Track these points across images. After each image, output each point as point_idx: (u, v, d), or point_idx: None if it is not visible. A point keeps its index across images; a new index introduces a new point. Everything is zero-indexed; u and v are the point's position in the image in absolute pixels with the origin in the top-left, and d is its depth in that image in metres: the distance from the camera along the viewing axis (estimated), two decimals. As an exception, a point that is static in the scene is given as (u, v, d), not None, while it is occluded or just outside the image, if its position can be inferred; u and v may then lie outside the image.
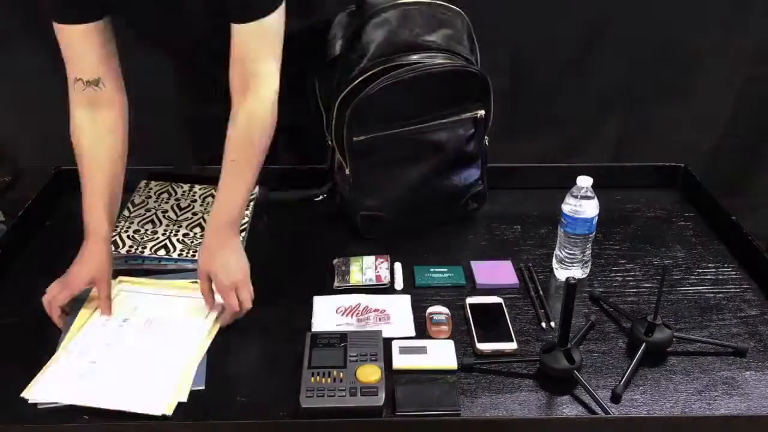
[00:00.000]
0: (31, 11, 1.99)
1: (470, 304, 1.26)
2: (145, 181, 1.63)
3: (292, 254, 1.44)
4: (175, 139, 2.21)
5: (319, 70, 1.47)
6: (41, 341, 1.19)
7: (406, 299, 1.28)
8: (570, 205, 1.29)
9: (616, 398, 1.08)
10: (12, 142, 2.15)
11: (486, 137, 1.47)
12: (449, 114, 1.39)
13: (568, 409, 1.07)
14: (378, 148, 1.38)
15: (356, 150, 1.37)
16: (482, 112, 1.41)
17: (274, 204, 1.57)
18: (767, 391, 1.11)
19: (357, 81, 1.34)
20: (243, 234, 1.38)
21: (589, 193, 1.29)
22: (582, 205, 1.28)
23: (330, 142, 1.45)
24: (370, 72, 1.33)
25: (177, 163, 1.77)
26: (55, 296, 1.21)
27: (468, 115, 1.40)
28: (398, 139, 1.37)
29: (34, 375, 1.11)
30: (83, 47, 1.28)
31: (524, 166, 1.69)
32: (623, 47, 2.12)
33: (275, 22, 1.21)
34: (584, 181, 1.29)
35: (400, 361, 1.14)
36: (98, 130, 1.34)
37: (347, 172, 1.40)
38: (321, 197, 1.58)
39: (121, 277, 1.32)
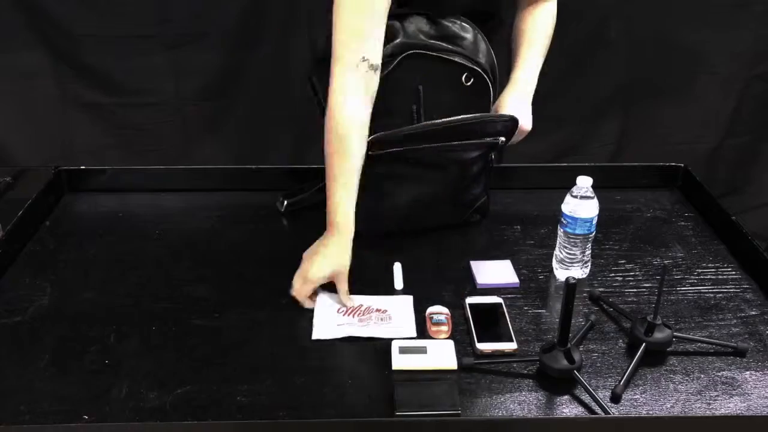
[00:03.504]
0: (31, 11, 2.00)
1: (470, 304, 1.26)
2: None
3: (292, 254, 1.44)
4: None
5: (313, 68, 1.46)
6: (41, 341, 1.19)
7: (408, 300, 1.28)
8: (570, 205, 1.29)
9: (616, 398, 1.08)
10: (12, 142, 2.16)
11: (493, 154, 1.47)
12: (471, 141, 1.39)
13: (568, 409, 1.07)
14: (393, 161, 1.37)
15: (370, 156, 1.37)
16: (502, 139, 1.40)
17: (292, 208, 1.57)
18: (767, 391, 1.11)
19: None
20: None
21: (589, 193, 1.29)
22: (582, 205, 1.28)
23: None
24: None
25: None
26: (298, 290, 1.27)
27: (488, 140, 1.40)
28: (415, 155, 1.37)
29: (34, 375, 1.11)
30: (383, 26, 1.27)
31: (524, 166, 1.69)
32: (623, 47, 2.13)
33: None
34: (584, 181, 1.29)
35: (399, 362, 1.13)
36: (366, 121, 1.29)
37: None
38: None
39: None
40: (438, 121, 1.33)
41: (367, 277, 1.37)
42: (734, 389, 1.11)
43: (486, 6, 1.43)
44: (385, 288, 1.33)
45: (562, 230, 1.32)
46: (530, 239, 1.49)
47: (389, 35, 1.33)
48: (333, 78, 1.27)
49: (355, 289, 1.32)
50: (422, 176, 1.42)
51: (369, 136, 1.33)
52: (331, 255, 1.28)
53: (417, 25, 1.34)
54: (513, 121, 1.38)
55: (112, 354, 1.16)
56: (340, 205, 1.28)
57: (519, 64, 1.47)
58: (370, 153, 1.35)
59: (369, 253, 1.43)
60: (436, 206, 1.46)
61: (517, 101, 1.43)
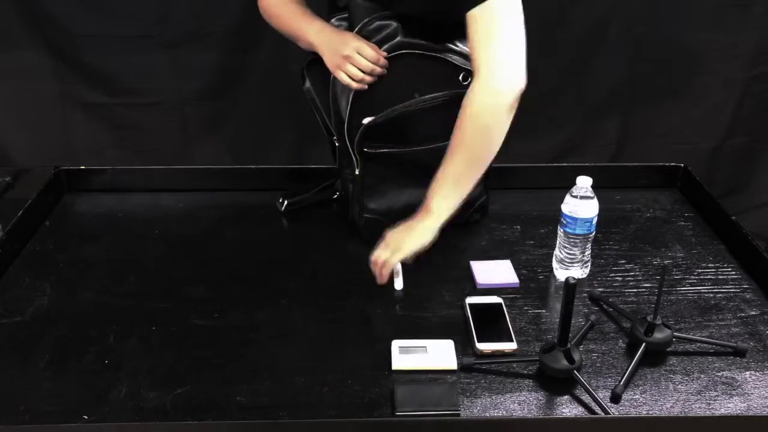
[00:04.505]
0: (31, 11, 2.00)
1: (470, 304, 1.26)
2: None
3: (292, 254, 1.45)
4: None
5: (307, 66, 1.46)
6: (41, 341, 1.19)
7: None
8: (570, 205, 1.29)
9: (615, 398, 1.08)
10: (12, 142, 2.16)
11: None
12: None
13: (567, 409, 1.07)
14: (390, 160, 1.38)
15: (368, 156, 1.37)
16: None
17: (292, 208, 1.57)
18: (767, 391, 1.11)
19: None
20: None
21: (589, 193, 1.29)
22: (582, 205, 1.28)
23: (336, 141, 1.44)
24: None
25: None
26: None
27: None
28: (414, 155, 1.37)
29: (34, 375, 1.11)
30: None
31: (524, 166, 1.69)
32: (623, 47, 2.13)
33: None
34: (584, 181, 1.29)
35: (400, 362, 1.13)
36: None
37: (357, 171, 1.40)
38: (337, 195, 1.58)
39: None
40: (425, 97, 1.32)
41: (367, 277, 1.37)
42: (734, 389, 1.11)
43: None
44: (386, 288, 1.33)
45: (562, 230, 1.32)
46: (530, 239, 1.49)
47: (388, 35, 1.32)
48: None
49: (354, 289, 1.32)
50: (421, 179, 1.41)
51: (376, 149, 1.35)
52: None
53: (415, 25, 1.34)
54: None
55: (112, 354, 1.16)
56: (304, 20, 1.38)
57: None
58: (366, 150, 1.35)
59: (369, 253, 1.43)
60: None
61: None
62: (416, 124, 1.34)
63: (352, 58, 1.28)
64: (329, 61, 1.32)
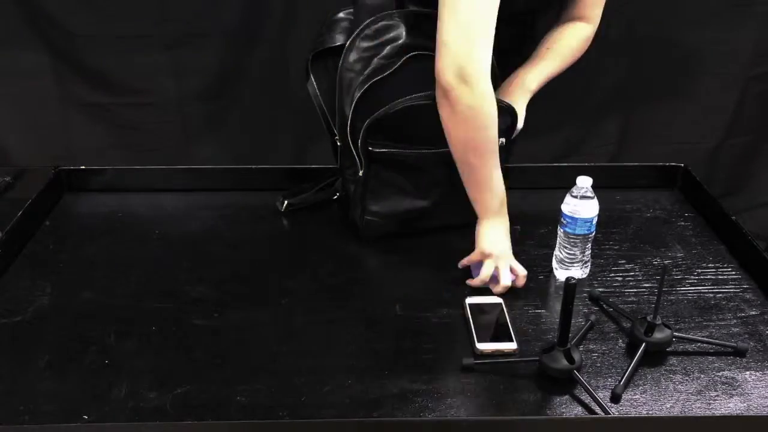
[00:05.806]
0: (31, 11, 2.00)
1: (470, 304, 1.26)
2: None
3: (292, 254, 1.45)
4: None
5: (312, 60, 1.45)
6: (41, 341, 1.19)
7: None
8: (570, 205, 1.29)
9: (615, 398, 1.08)
10: (12, 142, 2.16)
11: None
12: None
13: (568, 409, 1.07)
14: (396, 162, 1.37)
15: (372, 157, 1.36)
16: (503, 140, 1.40)
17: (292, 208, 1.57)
18: (767, 391, 1.11)
19: (370, 82, 1.32)
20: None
21: (589, 193, 1.29)
22: (582, 205, 1.28)
23: (338, 141, 1.44)
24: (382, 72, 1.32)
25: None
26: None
27: None
28: (418, 158, 1.37)
29: (34, 375, 1.11)
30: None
31: (524, 166, 1.69)
32: (623, 47, 2.13)
33: None
34: (584, 181, 1.29)
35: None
36: None
37: (360, 173, 1.39)
38: (337, 195, 1.58)
39: None
40: (427, 93, 1.28)
41: (366, 277, 1.37)
42: (734, 389, 1.11)
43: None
44: (385, 288, 1.32)
45: (562, 230, 1.32)
46: (530, 239, 1.49)
47: (393, 37, 1.32)
48: (476, 62, 1.18)
49: (354, 289, 1.32)
50: (425, 184, 1.41)
51: (381, 149, 1.34)
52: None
53: (421, 25, 1.33)
54: (511, 114, 1.37)
55: (112, 354, 1.16)
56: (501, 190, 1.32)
57: (528, 63, 1.45)
58: (370, 149, 1.35)
59: (369, 253, 1.44)
60: (438, 211, 1.45)
61: (514, 97, 1.41)
62: (421, 122, 1.33)
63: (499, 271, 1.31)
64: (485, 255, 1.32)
